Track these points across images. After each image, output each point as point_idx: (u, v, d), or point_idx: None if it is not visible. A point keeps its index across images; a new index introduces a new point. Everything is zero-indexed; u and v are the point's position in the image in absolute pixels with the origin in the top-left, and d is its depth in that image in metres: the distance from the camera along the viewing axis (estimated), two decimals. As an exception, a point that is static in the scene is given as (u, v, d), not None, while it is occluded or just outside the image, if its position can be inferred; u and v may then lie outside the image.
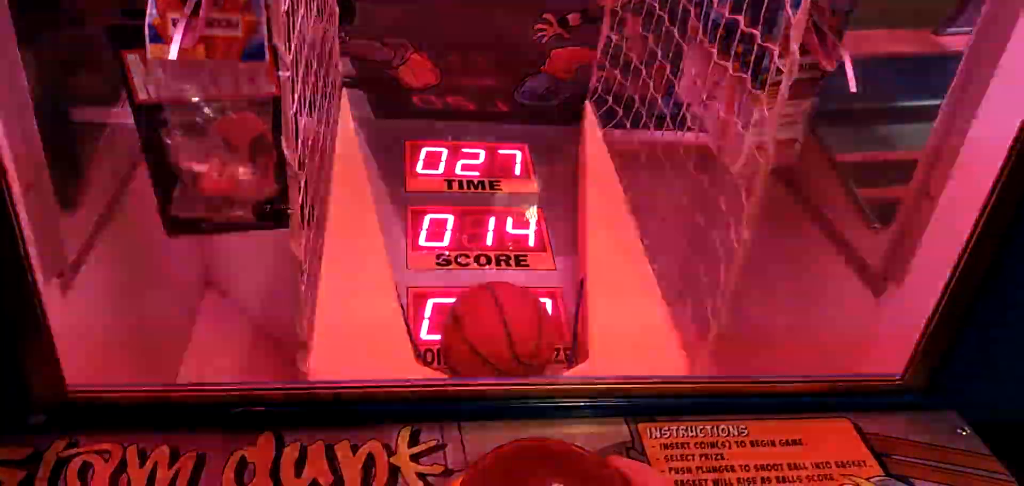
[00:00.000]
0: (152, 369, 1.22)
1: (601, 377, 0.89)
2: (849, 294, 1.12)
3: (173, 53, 0.73)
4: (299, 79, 0.85)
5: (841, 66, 0.91)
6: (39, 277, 0.73)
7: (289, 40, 0.73)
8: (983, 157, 0.84)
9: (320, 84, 1.12)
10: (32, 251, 0.71)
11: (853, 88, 0.86)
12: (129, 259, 1.10)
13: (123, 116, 1.03)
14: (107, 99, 1.10)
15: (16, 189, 0.71)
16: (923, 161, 0.98)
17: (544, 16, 1.44)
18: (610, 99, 1.44)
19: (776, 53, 0.85)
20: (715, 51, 1.04)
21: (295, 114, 0.75)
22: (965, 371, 0.94)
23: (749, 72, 0.97)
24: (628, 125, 1.41)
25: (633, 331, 1.04)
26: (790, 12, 0.80)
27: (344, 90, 1.42)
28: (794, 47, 0.79)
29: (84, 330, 0.91)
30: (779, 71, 0.84)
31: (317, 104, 1.11)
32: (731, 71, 1.00)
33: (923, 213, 0.96)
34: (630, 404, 0.87)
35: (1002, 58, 0.84)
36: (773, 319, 1.28)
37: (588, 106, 1.48)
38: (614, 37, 1.41)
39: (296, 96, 0.79)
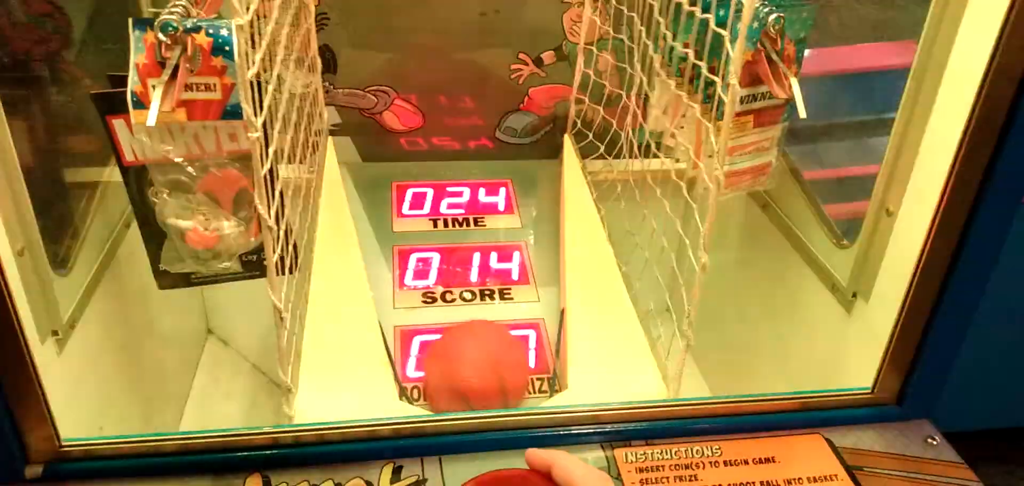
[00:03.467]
0: (155, 418, 1.25)
1: (578, 405, 0.92)
2: (822, 310, 1.15)
3: (152, 120, 0.78)
4: (275, 134, 0.89)
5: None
6: (32, 337, 0.77)
7: (258, 102, 0.77)
8: (933, 171, 0.87)
9: (304, 134, 1.17)
10: (24, 313, 0.75)
11: (801, 114, 0.89)
12: (127, 313, 1.14)
13: (114, 175, 1.09)
14: (100, 159, 1.15)
15: (7, 253, 0.75)
16: (881, 177, 1.01)
17: (520, 56, 1.50)
18: (588, 133, 1.48)
19: (718, 86, 0.89)
20: (675, 84, 1.08)
21: (268, 172, 0.79)
22: (932, 381, 0.97)
23: (709, 104, 1.01)
24: (606, 156, 1.45)
25: (611, 358, 1.07)
26: (729, 47, 0.84)
27: (331, 137, 1.47)
28: (732, 80, 0.83)
29: (82, 385, 0.95)
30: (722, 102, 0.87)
31: (302, 153, 1.16)
32: (693, 104, 1.04)
33: (884, 229, 0.99)
34: (605, 430, 0.90)
35: (945, 72, 0.88)
36: (750, 338, 1.31)
37: (567, 140, 1.52)
38: (589, 72, 1.46)
39: (271, 151, 0.83)
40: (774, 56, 0.96)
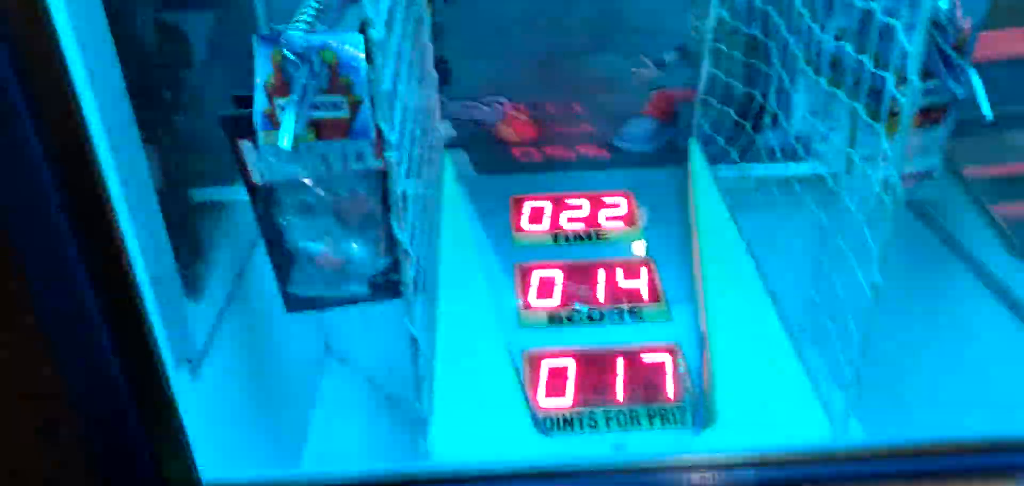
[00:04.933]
0: (279, 443, 1.24)
1: (733, 446, 0.83)
2: (999, 333, 1.01)
3: (287, 143, 0.74)
4: (405, 154, 0.85)
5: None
6: (169, 366, 0.75)
7: (393, 119, 0.73)
8: None
9: (423, 150, 1.13)
10: (162, 341, 0.73)
11: (987, 115, 0.78)
12: (254, 338, 1.13)
13: (240, 192, 1.07)
14: (226, 178, 1.14)
15: (144, 281, 0.73)
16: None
17: (641, 58, 1.41)
18: (717, 137, 1.38)
19: (894, 83, 0.78)
20: (826, 82, 0.98)
21: (403, 192, 0.74)
22: None
23: (864, 101, 0.90)
24: (738, 160, 1.35)
25: (763, 388, 0.97)
26: (905, 43, 0.73)
27: (446, 151, 1.43)
28: (912, 78, 0.72)
29: (214, 414, 0.93)
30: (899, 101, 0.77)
31: (422, 169, 1.12)
32: (848, 103, 0.94)
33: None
34: (769, 475, 0.80)
35: None
36: (920, 367, 1.17)
37: (693, 145, 1.42)
38: (716, 73, 1.36)
39: (403, 170, 0.79)
40: (945, 46, 0.85)
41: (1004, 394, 1.02)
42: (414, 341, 0.77)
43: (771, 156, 1.25)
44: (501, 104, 1.46)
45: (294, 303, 0.97)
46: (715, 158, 1.39)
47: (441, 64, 1.39)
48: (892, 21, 0.82)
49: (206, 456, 0.80)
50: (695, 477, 0.80)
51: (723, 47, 1.34)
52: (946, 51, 0.86)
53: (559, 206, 1.39)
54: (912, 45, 0.76)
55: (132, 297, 0.69)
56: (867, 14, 0.89)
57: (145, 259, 0.76)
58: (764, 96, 1.27)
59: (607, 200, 1.41)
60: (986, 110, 0.82)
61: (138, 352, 0.71)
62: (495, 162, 1.51)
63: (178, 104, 1.16)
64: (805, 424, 0.90)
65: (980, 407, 1.02)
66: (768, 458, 0.81)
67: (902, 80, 0.79)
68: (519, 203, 1.41)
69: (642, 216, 1.37)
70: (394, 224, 0.74)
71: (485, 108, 1.46)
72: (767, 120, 1.30)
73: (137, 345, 0.71)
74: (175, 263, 0.88)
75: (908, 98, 0.77)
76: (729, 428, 0.92)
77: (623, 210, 1.39)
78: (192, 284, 0.98)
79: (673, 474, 0.80)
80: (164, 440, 0.76)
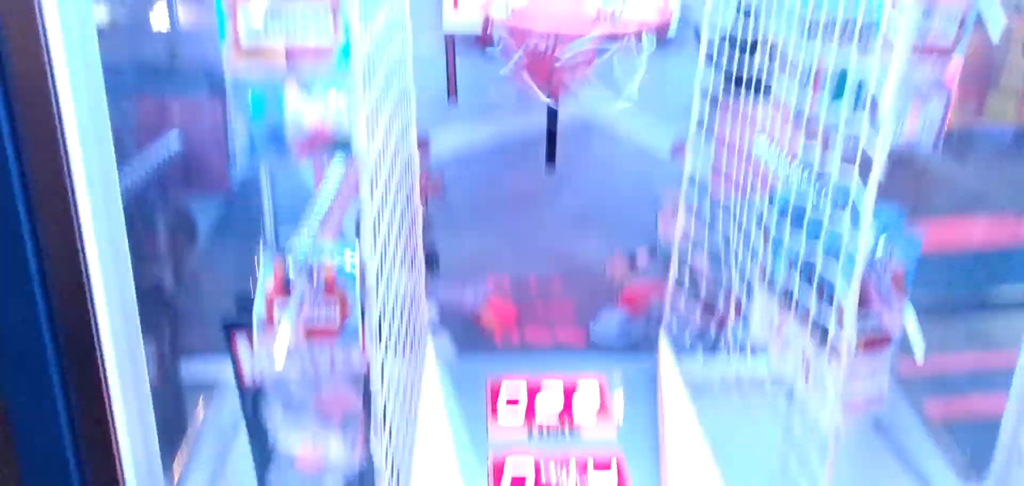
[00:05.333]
0: None
1: None
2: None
3: (279, 360, 0.81)
4: (389, 356, 0.92)
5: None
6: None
7: (379, 335, 0.79)
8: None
9: (407, 334, 1.20)
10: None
11: (919, 358, 0.86)
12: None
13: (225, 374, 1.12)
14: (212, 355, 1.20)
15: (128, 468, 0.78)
16: (1010, 412, 0.95)
17: (615, 254, 1.52)
18: (684, 333, 1.47)
19: (833, 320, 0.87)
20: (778, 305, 1.07)
21: (384, 408, 0.80)
22: None
23: (811, 329, 0.98)
24: (704, 357, 1.43)
25: None
26: (839, 288, 0.82)
27: (430, 334, 1.50)
28: (848, 325, 0.81)
29: None
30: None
31: (404, 352, 1.18)
32: (797, 330, 1.02)
33: (1016, 477, 0.92)
34: None
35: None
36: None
37: (663, 337, 1.51)
38: (683, 275, 1.46)
39: (385, 376, 0.85)
40: (884, 289, 0.94)
41: None
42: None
43: (732, 352, 1.33)
44: (484, 289, 1.54)
45: (271, 503, 1.01)
46: (683, 351, 1.46)
47: (429, 251, 1.49)
48: (834, 258, 0.91)
49: None
50: None
51: (689, 251, 1.44)
52: (883, 288, 0.95)
53: (535, 390, 1.45)
54: (847, 300, 0.85)
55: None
56: (813, 246, 0.99)
57: (133, 450, 0.81)
58: (727, 298, 1.36)
59: (580, 388, 1.47)
60: (918, 355, 0.90)
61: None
62: (476, 344, 1.58)
63: (181, 291, 1.23)
64: None
65: None
66: None
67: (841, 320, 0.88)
68: (496, 388, 1.47)
69: (614, 406, 1.43)
70: (371, 436, 0.80)
71: (469, 292, 1.54)
72: (730, 320, 1.38)
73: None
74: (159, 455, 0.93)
75: (845, 346, 0.85)
76: None
77: (597, 397, 1.45)
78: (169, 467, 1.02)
79: None
80: None
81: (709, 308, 1.44)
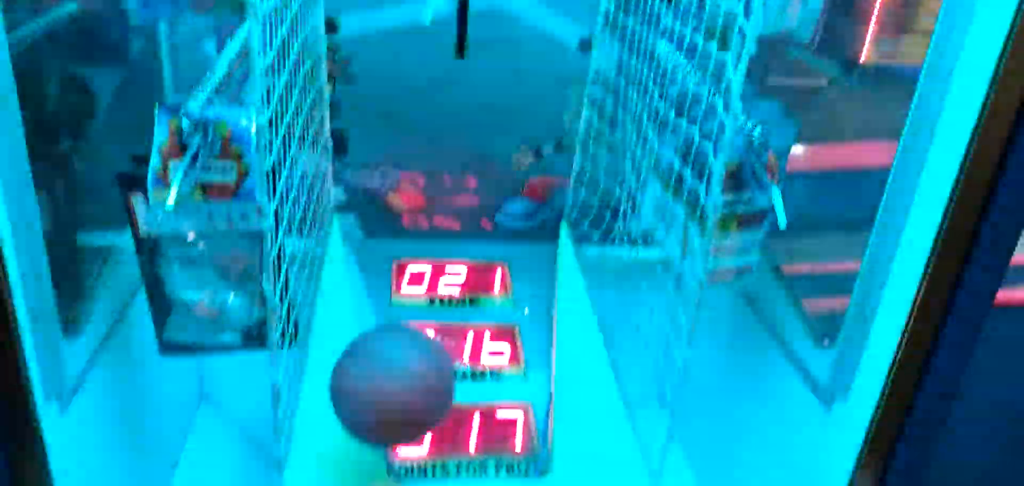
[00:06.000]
0: (149, 481, 1.27)
1: (560, 491, 0.95)
2: (802, 409, 1.18)
3: (171, 202, 0.83)
4: (285, 216, 0.95)
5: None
6: (39, 399, 0.80)
7: (272, 188, 0.82)
8: (910, 275, 0.91)
9: (312, 211, 1.23)
10: (34, 374, 0.79)
11: (782, 225, 0.95)
12: (128, 379, 1.18)
13: (125, 241, 1.14)
14: (114, 226, 1.20)
15: (21, 315, 0.79)
16: (861, 279, 1.05)
17: (520, 146, 1.57)
18: (584, 222, 1.54)
19: (705, 193, 0.94)
20: (663, 187, 1.14)
21: (277, 253, 0.84)
22: (908, 482, 0.99)
23: (693, 207, 1.07)
24: (601, 244, 1.51)
25: (597, 444, 1.10)
26: (713, 160, 0.90)
27: (337, 214, 1.53)
28: (715, 191, 0.88)
29: (82, 449, 0.97)
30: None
31: (309, 230, 1.21)
32: (678, 206, 1.10)
33: (863, 332, 1.03)
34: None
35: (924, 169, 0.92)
36: (735, 430, 1.34)
37: (563, 227, 1.58)
38: (585, 165, 1.53)
39: (280, 233, 0.89)
40: (757, 167, 1.02)
41: (799, 456, 1.18)
42: (275, 388, 0.86)
43: (626, 241, 1.41)
44: (393, 174, 1.57)
45: (168, 347, 1.03)
46: (582, 239, 1.54)
47: (337, 135, 1.50)
48: (707, 143, 0.98)
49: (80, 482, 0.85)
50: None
51: (591, 145, 1.51)
52: (757, 170, 1.03)
53: (438, 271, 1.51)
54: (717, 168, 0.93)
55: (8, 328, 0.76)
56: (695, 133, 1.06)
57: (25, 294, 0.82)
58: (623, 190, 1.44)
59: (483, 269, 1.53)
60: (781, 221, 0.99)
61: (8, 382, 0.77)
62: (384, 228, 1.62)
63: (77, 153, 1.22)
64: (629, 476, 1.03)
65: (781, 465, 1.19)
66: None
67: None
68: (402, 266, 1.52)
69: (514, 287, 1.51)
70: (264, 282, 0.83)
71: (378, 177, 1.57)
72: (623, 211, 1.47)
73: (8, 377, 0.77)
74: (55, 301, 0.94)
75: (711, 206, 0.93)
76: (562, 478, 1.04)
77: (498, 279, 1.52)
78: (72, 323, 1.03)
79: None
80: (29, 470, 0.81)
81: (607, 198, 1.51)
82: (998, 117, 0.79)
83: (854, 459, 1.00)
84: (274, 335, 0.84)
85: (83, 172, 1.23)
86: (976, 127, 0.81)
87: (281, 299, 0.88)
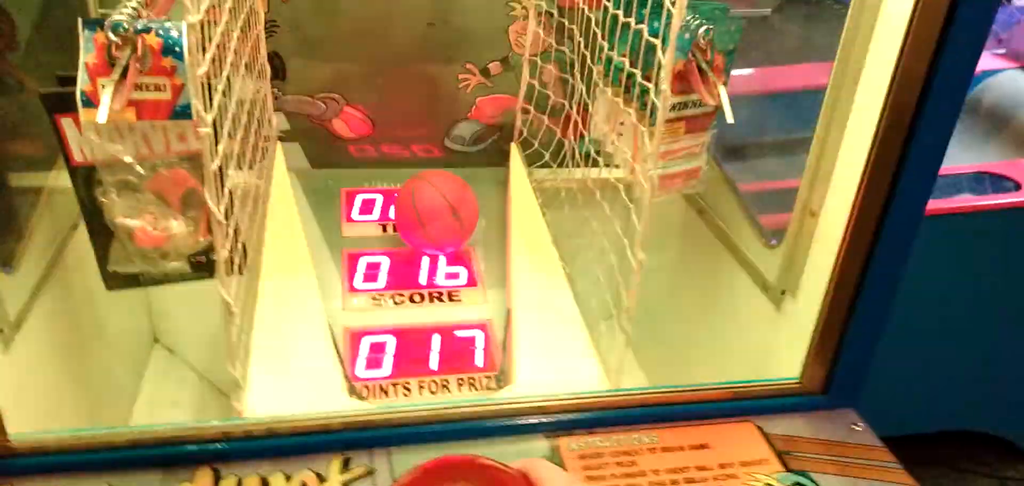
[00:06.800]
0: (102, 423, 1.24)
1: (523, 397, 0.96)
2: (753, 307, 1.21)
3: (102, 117, 0.79)
4: (225, 134, 0.91)
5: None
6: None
7: (208, 100, 0.79)
8: (850, 175, 0.94)
9: (252, 139, 1.19)
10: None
11: (729, 119, 0.95)
12: (74, 316, 1.14)
13: (61, 179, 1.09)
14: (48, 163, 1.15)
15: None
16: (805, 180, 1.08)
17: (466, 66, 1.54)
18: (534, 142, 1.53)
19: (652, 92, 0.94)
20: (612, 93, 1.14)
21: (219, 168, 0.81)
22: (855, 371, 1.03)
23: (645, 111, 1.07)
24: (551, 164, 1.51)
25: (555, 354, 1.11)
26: (660, 55, 0.89)
27: (280, 143, 1.49)
28: (664, 87, 0.88)
29: (27, 386, 0.94)
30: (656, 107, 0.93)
31: (250, 158, 1.17)
32: (630, 111, 1.10)
33: (808, 230, 1.06)
34: (548, 421, 0.94)
35: (858, 87, 0.95)
36: (687, 333, 1.37)
37: (514, 148, 1.57)
38: (534, 83, 1.51)
39: (219, 149, 0.85)
40: (704, 65, 1.02)
41: (752, 354, 1.22)
42: (226, 306, 0.84)
43: (574, 160, 1.42)
44: (337, 101, 1.53)
45: (113, 280, 1.00)
46: (533, 160, 1.54)
47: (275, 58, 1.45)
48: (653, 41, 0.98)
49: (17, 424, 0.83)
50: (489, 424, 0.92)
51: (539, 60, 1.49)
52: (703, 68, 1.03)
53: (389, 199, 1.49)
54: (665, 59, 0.93)
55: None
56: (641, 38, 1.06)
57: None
58: (573, 106, 1.43)
59: (434, 195, 1.51)
60: (729, 116, 1.00)
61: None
62: (330, 157, 1.58)
63: (3, 82, 1.15)
64: (587, 381, 1.05)
65: (734, 364, 1.23)
66: (551, 405, 0.94)
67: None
68: (351, 195, 1.49)
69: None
70: (208, 198, 0.81)
71: (321, 104, 1.53)
72: (573, 128, 1.46)
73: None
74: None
75: (661, 103, 0.94)
76: (524, 386, 1.05)
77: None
78: (6, 259, 0.99)
79: (469, 422, 0.92)
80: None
81: (558, 117, 1.50)
82: (923, 40, 0.81)
83: (805, 350, 1.03)
84: (222, 250, 0.82)
85: (10, 107, 1.17)
86: (902, 48, 0.83)
87: (226, 219, 0.85)
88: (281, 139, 1.51)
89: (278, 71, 1.45)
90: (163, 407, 1.49)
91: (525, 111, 1.55)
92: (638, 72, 1.02)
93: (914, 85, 0.83)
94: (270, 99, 1.42)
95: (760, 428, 1.01)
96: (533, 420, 0.93)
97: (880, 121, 0.87)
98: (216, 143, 0.83)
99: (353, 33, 1.48)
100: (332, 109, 1.53)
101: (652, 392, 0.99)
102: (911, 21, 0.81)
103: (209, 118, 0.78)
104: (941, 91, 0.83)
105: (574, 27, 1.35)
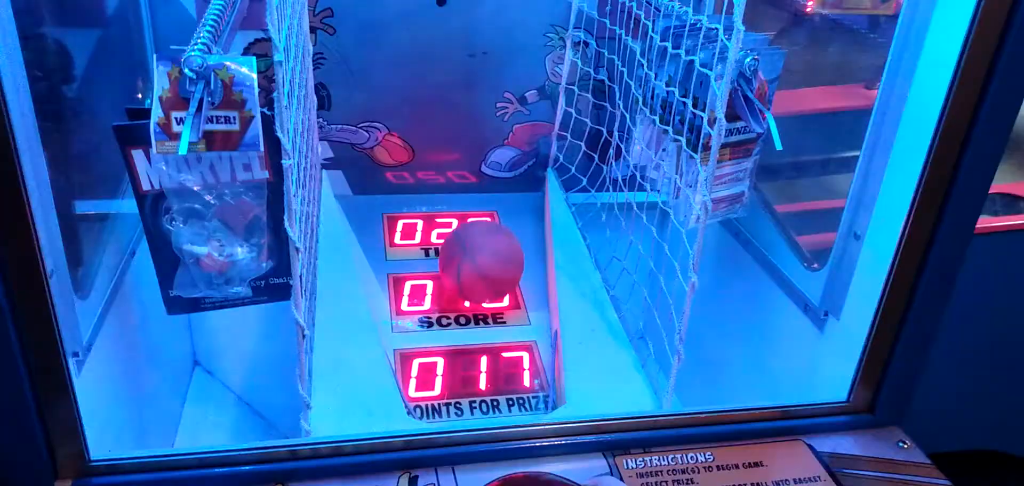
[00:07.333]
0: (151, 444, 1.26)
1: (580, 417, 0.98)
2: (795, 329, 1.23)
3: (182, 149, 0.82)
4: (297, 165, 0.94)
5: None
6: (68, 354, 0.80)
7: (287, 131, 0.82)
8: (898, 198, 0.97)
9: (305, 167, 1.22)
10: (60, 333, 0.78)
11: (778, 146, 0.98)
12: (130, 340, 1.17)
13: (123, 207, 1.12)
14: (109, 191, 1.18)
15: (42, 274, 0.78)
16: (849, 203, 1.10)
17: (505, 95, 1.57)
18: (570, 167, 1.57)
19: (706, 121, 0.97)
20: (658, 121, 1.16)
21: (296, 195, 0.84)
22: (901, 390, 1.05)
23: (688, 138, 1.09)
24: (589, 189, 1.54)
25: (604, 374, 1.13)
26: (714, 86, 0.92)
27: (324, 170, 1.52)
28: (719, 116, 0.91)
29: (95, 406, 0.97)
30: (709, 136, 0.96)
31: (304, 185, 1.21)
32: (673, 138, 1.12)
33: (852, 252, 1.08)
34: (607, 440, 0.96)
35: (904, 111, 0.97)
36: (727, 356, 1.39)
37: (550, 173, 1.60)
38: (570, 111, 1.55)
39: (295, 176, 0.88)
40: (749, 94, 1.05)
41: (795, 374, 1.24)
42: (300, 329, 0.86)
43: (615, 185, 1.44)
44: (378, 129, 1.57)
45: (176, 305, 1.02)
46: (568, 185, 1.57)
47: (321, 89, 1.49)
48: (706, 71, 1.01)
49: (94, 441, 0.85)
50: (549, 443, 0.94)
51: (576, 89, 1.53)
52: (750, 97, 1.06)
53: (430, 224, 1.52)
54: (720, 90, 0.95)
55: (40, 291, 0.75)
56: (689, 65, 1.09)
57: (46, 257, 0.81)
58: (610, 132, 1.46)
59: (474, 218, 1.54)
60: (777, 143, 1.03)
61: (42, 342, 0.76)
62: (371, 183, 1.61)
63: (60, 117, 1.19)
64: (637, 400, 1.07)
65: (776, 384, 1.24)
66: (609, 425, 0.96)
67: (714, 119, 0.99)
68: (393, 220, 1.52)
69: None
70: (285, 223, 0.84)
71: (363, 133, 1.56)
72: (612, 153, 1.49)
73: (41, 336, 0.76)
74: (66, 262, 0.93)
75: (716, 131, 0.96)
76: (575, 407, 1.07)
77: (489, 229, 1.53)
78: (80, 284, 1.01)
79: (528, 441, 0.94)
80: (59, 424, 0.81)
81: (593, 142, 1.54)
82: (977, 59, 0.84)
83: (852, 370, 1.05)
84: (297, 274, 0.84)
85: (70, 134, 1.20)
86: (956, 69, 0.85)
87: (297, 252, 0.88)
88: (324, 166, 1.54)
89: (324, 101, 1.49)
90: (205, 428, 1.51)
91: (561, 137, 1.58)
92: (688, 101, 1.05)
93: (965, 111, 0.86)
94: (316, 128, 1.45)
95: (810, 446, 1.03)
96: (591, 438, 0.95)
97: (931, 148, 0.89)
98: (294, 174, 0.86)
99: (396, 64, 1.51)
100: (373, 137, 1.57)
101: (704, 413, 1.01)
102: (963, 49, 0.83)
103: (291, 146, 0.81)
104: (991, 116, 0.85)
105: (614, 56, 1.39)
